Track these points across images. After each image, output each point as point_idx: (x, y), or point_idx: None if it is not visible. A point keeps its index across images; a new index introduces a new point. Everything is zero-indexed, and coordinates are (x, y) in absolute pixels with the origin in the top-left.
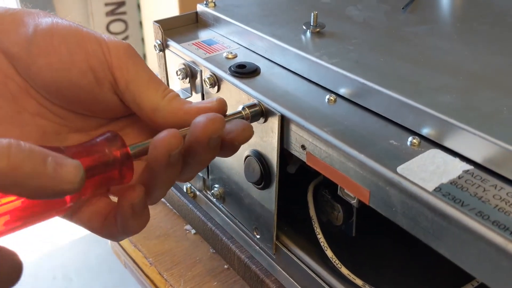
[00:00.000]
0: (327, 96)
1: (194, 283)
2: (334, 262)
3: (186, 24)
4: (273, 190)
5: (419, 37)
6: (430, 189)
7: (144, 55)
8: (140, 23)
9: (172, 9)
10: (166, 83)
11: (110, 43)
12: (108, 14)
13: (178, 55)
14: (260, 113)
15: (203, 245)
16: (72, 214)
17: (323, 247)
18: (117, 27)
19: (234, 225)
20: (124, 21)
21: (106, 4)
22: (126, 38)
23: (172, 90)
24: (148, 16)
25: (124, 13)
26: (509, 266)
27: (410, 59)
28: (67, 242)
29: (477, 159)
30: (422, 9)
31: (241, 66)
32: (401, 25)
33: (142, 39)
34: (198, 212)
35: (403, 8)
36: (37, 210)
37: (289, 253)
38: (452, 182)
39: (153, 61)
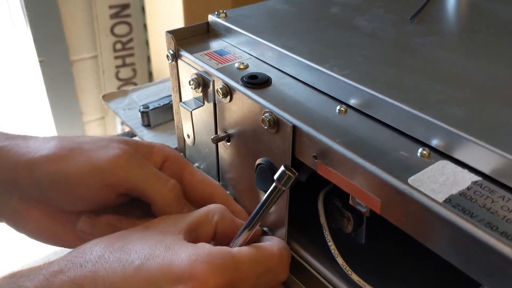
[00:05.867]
0: (338, 107)
1: None
2: (345, 269)
3: (198, 34)
4: (284, 198)
5: (427, 48)
6: (440, 200)
7: (149, 57)
8: (145, 25)
9: (176, 12)
10: (178, 92)
11: None
12: (113, 16)
13: (191, 65)
14: None
15: None
16: None
17: (333, 254)
18: (121, 29)
19: None
20: (129, 24)
21: (111, 7)
22: (130, 40)
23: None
24: (153, 19)
25: (128, 15)
26: None
27: (419, 71)
28: None
29: (485, 170)
30: (429, 19)
31: (253, 76)
32: (409, 36)
33: (147, 42)
34: None
35: (410, 19)
36: None
37: (300, 259)
38: (462, 193)
39: (157, 63)
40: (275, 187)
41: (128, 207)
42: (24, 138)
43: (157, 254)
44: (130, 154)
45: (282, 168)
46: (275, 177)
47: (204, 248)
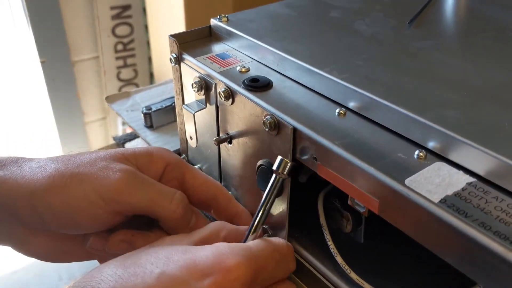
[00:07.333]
0: (337, 110)
1: None
2: (344, 267)
3: (200, 37)
4: (285, 198)
5: (425, 52)
6: (436, 200)
7: (150, 58)
8: (146, 26)
9: (177, 13)
10: (181, 94)
11: None
12: (114, 17)
13: (194, 68)
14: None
15: None
16: None
17: (333, 253)
18: (122, 30)
19: None
20: (130, 25)
21: (112, 8)
22: (131, 41)
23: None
24: (154, 20)
25: (129, 16)
26: (510, 274)
27: (417, 74)
28: None
29: (480, 172)
30: (427, 23)
31: (254, 80)
32: (407, 40)
33: (148, 42)
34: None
35: (409, 23)
36: None
37: (300, 258)
38: (457, 194)
39: (158, 64)
40: (275, 177)
41: (138, 219)
42: (18, 163)
43: (177, 259)
44: (131, 175)
45: (279, 157)
46: (274, 167)
47: (224, 244)
